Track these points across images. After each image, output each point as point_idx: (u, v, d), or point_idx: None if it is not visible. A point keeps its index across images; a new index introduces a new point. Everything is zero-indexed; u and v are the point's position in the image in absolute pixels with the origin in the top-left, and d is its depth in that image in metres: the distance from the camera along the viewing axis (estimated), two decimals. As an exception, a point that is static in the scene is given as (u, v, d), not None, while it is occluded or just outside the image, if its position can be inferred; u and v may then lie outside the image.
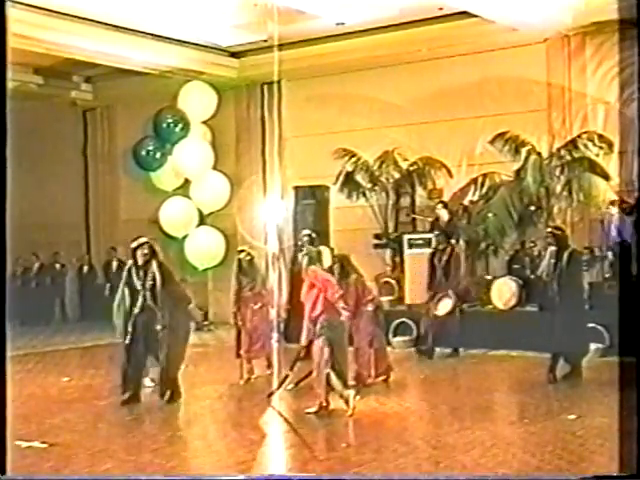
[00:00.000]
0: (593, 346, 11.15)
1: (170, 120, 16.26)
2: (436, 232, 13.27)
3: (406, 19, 14.76)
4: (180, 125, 16.29)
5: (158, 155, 16.20)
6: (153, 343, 9.08)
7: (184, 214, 16.21)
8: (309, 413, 8.35)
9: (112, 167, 19.99)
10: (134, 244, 9.19)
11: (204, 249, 15.79)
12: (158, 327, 8.99)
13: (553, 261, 10.00)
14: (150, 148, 16.12)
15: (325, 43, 15.80)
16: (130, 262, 9.22)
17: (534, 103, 14.95)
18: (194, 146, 16.53)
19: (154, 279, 9.02)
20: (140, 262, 9.08)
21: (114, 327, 9.20)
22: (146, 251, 9.09)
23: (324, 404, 8.40)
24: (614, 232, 12.76)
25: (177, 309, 9.22)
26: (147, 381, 9.65)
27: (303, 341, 8.59)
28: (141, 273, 9.07)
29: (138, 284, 9.04)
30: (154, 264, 9.08)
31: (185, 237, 16.22)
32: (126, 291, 9.07)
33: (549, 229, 10.80)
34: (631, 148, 12.97)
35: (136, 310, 9.01)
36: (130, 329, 8.98)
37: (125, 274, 9.17)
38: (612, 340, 11.30)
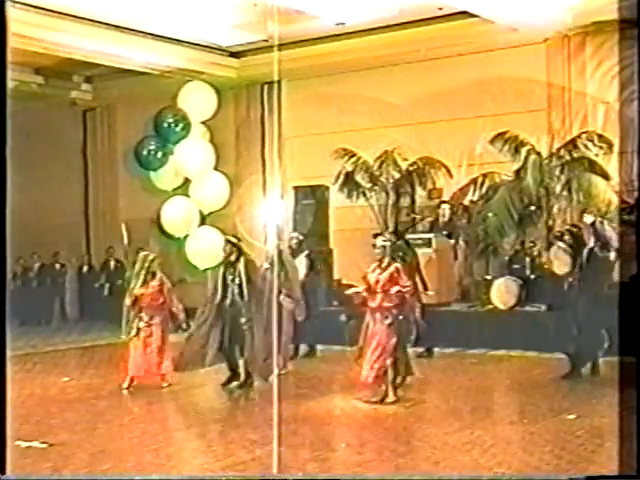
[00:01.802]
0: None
1: (171, 120, 16.24)
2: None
3: (406, 19, 14.77)
4: (181, 125, 16.26)
5: (160, 155, 16.17)
6: (239, 335, 9.77)
7: (186, 214, 16.21)
8: (375, 402, 8.70)
9: (112, 167, 19.98)
10: (226, 239, 10.16)
11: (205, 249, 15.78)
12: (243, 320, 9.64)
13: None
14: (152, 147, 16.10)
15: (325, 43, 15.81)
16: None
17: (534, 103, 14.96)
18: (195, 146, 16.52)
19: (240, 275, 9.79)
20: (230, 259, 9.91)
21: None
22: (233, 249, 9.95)
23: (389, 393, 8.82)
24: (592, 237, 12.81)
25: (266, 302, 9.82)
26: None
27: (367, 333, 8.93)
28: (231, 269, 9.87)
29: (228, 279, 9.85)
30: (242, 261, 9.86)
31: (186, 237, 16.21)
32: (220, 286, 9.88)
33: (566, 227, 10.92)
34: (631, 148, 12.96)
35: (226, 304, 9.80)
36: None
37: (221, 270, 9.97)
38: (612, 340, 11.29)
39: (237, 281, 9.81)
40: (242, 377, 10.00)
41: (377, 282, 8.92)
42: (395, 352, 8.84)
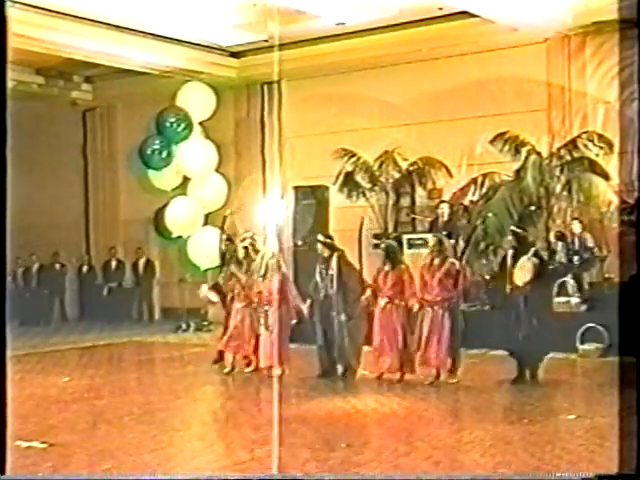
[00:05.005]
0: (593, 346, 11.28)
1: (173, 119, 16.30)
2: None
3: (406, 19, 14.76)
4: (183, 125, 16.32)
5: (164, 154, 16.23)
6: (332, 327, 10.25)
7: (191, 214, 16.26)
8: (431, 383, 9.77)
9: (112, 167, 20.01)
10: (318, 239, 10.65)
11: (207, 249, 15.80)
12: (334, 313, 10.16)
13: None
14: (156, 147, 16.16)
15: (325, 43, 15.80)
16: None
17: (534, 103, 14.96)
18: (198, 146, 16.56)
19: (333, 268, 10.22)
20: (325, 255, 10.33)
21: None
22: (326, 246, 10.37)
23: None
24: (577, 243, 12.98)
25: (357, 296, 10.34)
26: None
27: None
28: (324, 265, 10.31)
29: (323, 274, 10.29)
30: (334, 258, 10.26)
31: (188, 237, 16.24)
32: (318, 280, 10.32)
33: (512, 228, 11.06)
34: (631, 148, 12.97)
35: (320, 298, 10.27)
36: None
37: (318, 267, 10.39)
38: (612, 340, 11.30)
39: (330, 273, 10.21)
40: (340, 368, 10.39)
41: (433, 276, 9.89)
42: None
